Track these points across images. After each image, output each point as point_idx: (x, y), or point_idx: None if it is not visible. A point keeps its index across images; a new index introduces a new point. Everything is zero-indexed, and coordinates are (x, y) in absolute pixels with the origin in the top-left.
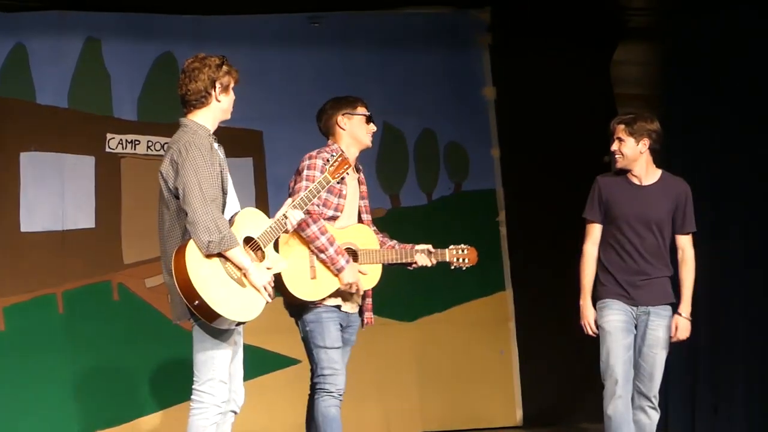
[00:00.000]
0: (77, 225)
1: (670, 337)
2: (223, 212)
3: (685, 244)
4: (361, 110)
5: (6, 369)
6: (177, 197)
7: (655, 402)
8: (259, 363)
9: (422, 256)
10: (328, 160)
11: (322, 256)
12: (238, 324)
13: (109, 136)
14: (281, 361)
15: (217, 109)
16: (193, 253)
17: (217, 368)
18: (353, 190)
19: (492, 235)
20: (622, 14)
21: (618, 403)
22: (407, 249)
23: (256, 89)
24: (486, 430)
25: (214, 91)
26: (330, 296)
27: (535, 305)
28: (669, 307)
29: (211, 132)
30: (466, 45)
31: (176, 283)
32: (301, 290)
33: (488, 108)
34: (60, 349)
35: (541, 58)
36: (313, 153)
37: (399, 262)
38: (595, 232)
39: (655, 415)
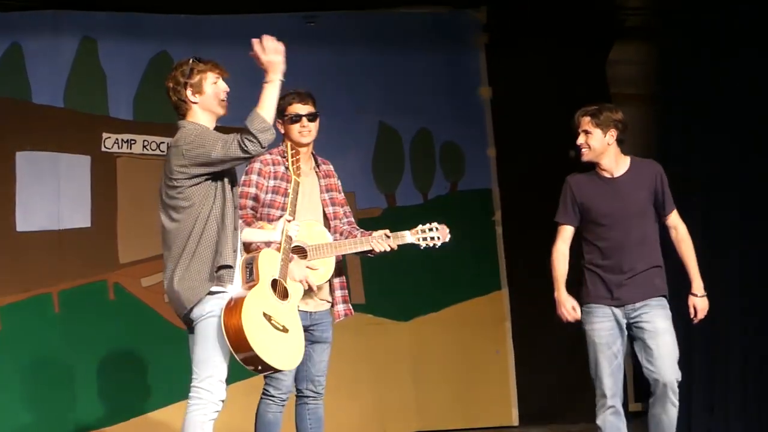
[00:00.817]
0: (73, 224)
1: (691, 321)
2: (235, 223)
3: (675, 222)
4: (290, 110)
5: (2, 368)
6: (174, 187)
7: (672, 395)
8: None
9: (378, 242)
10: (269, 162)
11: (261, 244)
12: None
13: (105, 135)
14: None
15: (199, 111)
16: (248, 311)
17: (217, 367)
18: (309, 185)
19: (488, 235)
20: (618, 14)
21: (607, 414)
22: (362, 238)
23: (253, 89)
24: (482, 429)
25: (186, 94)
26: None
27: (531, 305)
28: (662, 299)
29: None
30: (463, 44)
31: (227, 336)
32: None
33: (484, 107)
34: (56, 348)
35: (537, 57)
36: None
37: (355, 251)
38: (566, 233)
39: (673, 409)
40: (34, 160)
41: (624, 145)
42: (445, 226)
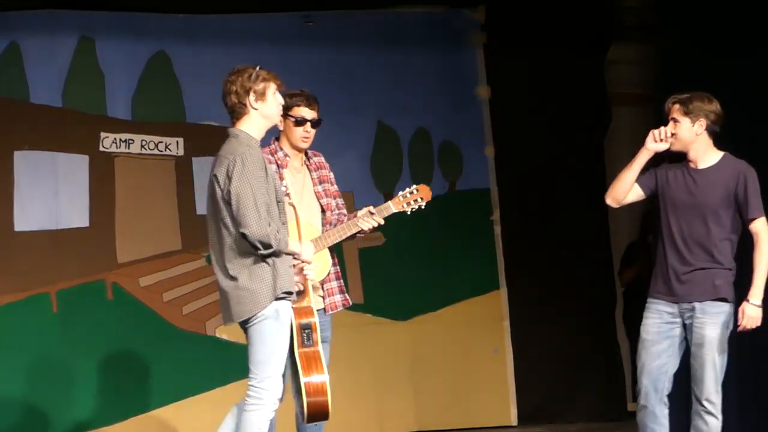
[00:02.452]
0: (71, 224)
1: (736, 332)
2: (281, 217)
3: (756, 229)
4: (296, 112)
5: (0, 368)
6: (230, 204)
7: (711, 407)
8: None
9: (364, 220)
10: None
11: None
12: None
13: (103, 135)
14: None
15: (257, 117)
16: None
17: (276, 365)
18: (301, 180)
19: (486, 234)
20: (617, 14)
21: (642, 412)
22: (347, 222)
23: None
24: (480, 429)
25: (249, 99)
26: None
27: (529, 304)
28: (722, 303)
29: (259, 139)
30: (461, 44)
31: (308, 399)
32: None
33: (482, 107)
34: (54, 348)
35: (536, 57)
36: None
37: (345, 237)
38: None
39: (714, 422)
40: (33, 159)
41: (718, 138)
42: (425, 186)
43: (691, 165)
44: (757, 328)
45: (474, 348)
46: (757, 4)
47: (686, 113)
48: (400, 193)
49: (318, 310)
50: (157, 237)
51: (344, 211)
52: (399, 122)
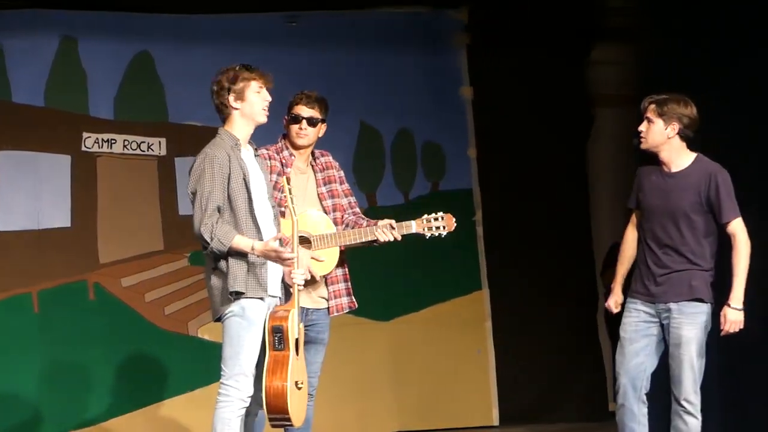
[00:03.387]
0: (53, 224)
1: (717, 333)
2: (252, 213)
3: (732, 231)
4: (294, 110)
5: None
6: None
7: (690, 407)
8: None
9: (382, 232)
10: (267, 157)
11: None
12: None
13: (85, 134)
14: None
15: (238, 117)
16: (290, 382)
17: (244, 363)
18: (305, 181)
19: (468, 235)
20: (600, 15)
21: (621, 411)
22: (366, 227)
23: None
24: (462, 429)
25: (229, 99)
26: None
27: (511, 304)
28: (699, 303)
29: (245, 138)
30: (444, 44)
31: (265, 394)
32: None
33: (465, 108)
34: (35, 348)
35: (518, 58)
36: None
37: (359, 242)
38: (633, 218)
39: (694, 422)
40: (14, 159)
41: (691, 142)
42: (450, 216)
43: (665, 168)
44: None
45: (456, 348)
46: (741, 7)
47: (660, 114)
48: (425, 216)
49: (317, 310)
50: (140, 237)
51: (358, 210)
52: (382, 122)
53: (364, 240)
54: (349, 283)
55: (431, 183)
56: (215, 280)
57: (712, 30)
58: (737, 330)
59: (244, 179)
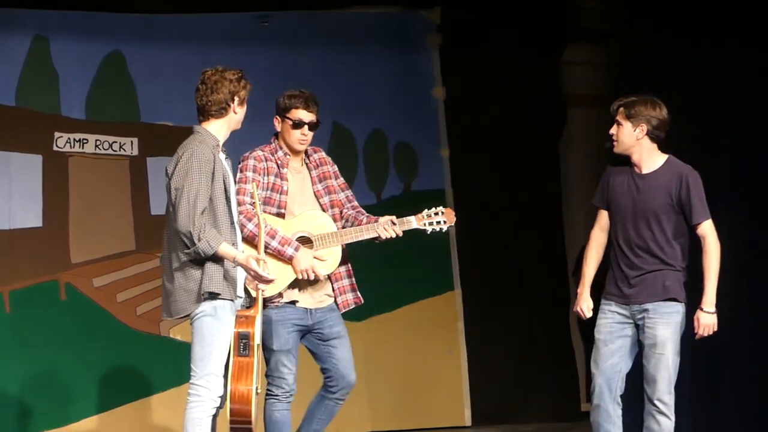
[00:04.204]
0: (24, 224)
1: (691, 334)
2: (230, 215)
3: (703, 233)
4: (294, 114)
5: None
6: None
7: (663, 407)
8: None
9: (383, 228)
10: (263, 159)
11: (269, 250)
12: None
13: (57, 134)
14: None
15: (232, 120)
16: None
17: (215, 363)
18: (301, 181)
19: (441, 235)
20: (572, 15)
21: (596, 412)
22: (367, 225)
23: None
24: (434, 429)
25: (233, 103)
26: (286, 291)
27: (483, 305)
28: (673, 303)
29: (222, 141)
30: (416, 45)
31: (230, 399)
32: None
33: (438, 108)
34: (6, 348)
35: (491, 58)
36: (248, 152)
37: (360, 239)
38: (601, 218)
39: (667, 422)
40: None
41: (662, 143)
42: (450, 210)
43: (636, 170)
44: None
45: (428, 349)
46: (712, 8)
47: (628, 117)
48: (426, 211)
49: (320, 309)
50: (111, 237)
51: (356, 203)
52: (354, 123)
53: (365, 238)
54: (353, 279)
55: (404, 183)
56: (182, 280)
57: (683, 30)
58: (711, 333)
59: (225, 181)
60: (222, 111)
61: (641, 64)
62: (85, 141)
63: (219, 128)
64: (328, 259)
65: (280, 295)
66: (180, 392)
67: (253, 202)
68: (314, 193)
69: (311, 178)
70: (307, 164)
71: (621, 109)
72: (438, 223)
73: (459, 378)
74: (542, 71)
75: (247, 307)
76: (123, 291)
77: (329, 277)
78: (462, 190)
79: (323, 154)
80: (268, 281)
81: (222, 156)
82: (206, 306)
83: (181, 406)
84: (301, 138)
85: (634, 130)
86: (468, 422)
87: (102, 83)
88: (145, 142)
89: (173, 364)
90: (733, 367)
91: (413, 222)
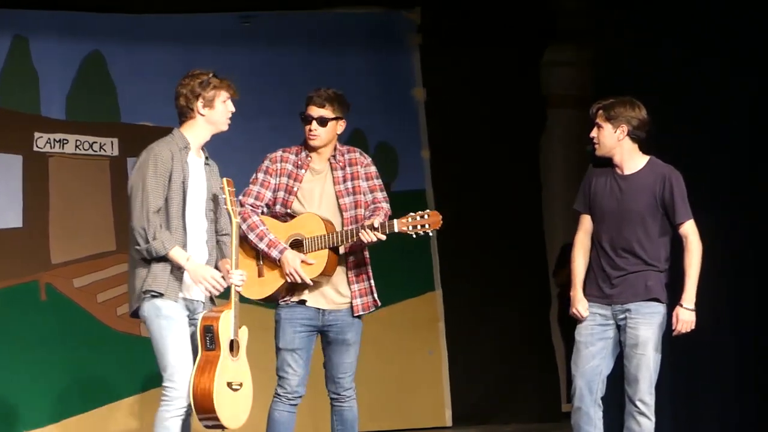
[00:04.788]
0: (4, 224)
1: (670, 334)
2: (183, 218)
3: (685, 232)
4: (305, 111)
5: None
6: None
7: (644, 408)
8: None
9: (365, 233)
10: (278, 159)
11: (259, 251)
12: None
13: (36, 135)
14: None
15: (202, 123)
16: (218, 384)
17: (174, 363)
18: (321, 181)
19: (421, 236)
20: (553, 16)
21: (577, 414)
22: (351, 228)
23: None
24: (415, 430)
25: (196, 105)
26: (297, 291)
27: (464, 305)
28: (655, 304)
29: (199, 144)
30: (397, 45)
31: (193, 395)
32: (248, 290)
33: (418, 109)
34: None
35: (472, 58)
36: (271, 152)
37: (346, 243)
38: (584, 223)
39: (647, 423)
40: None
41: (643, 143)
42: (436, 212)
43: (618, 171)
44: (691, 329)
45: (409, 349)
46: (693, 9)
47: (608, 119)
48: (411, 214)
49: (335, 311)
50: (92, 237)
51: (381, 205)
52: None
53: (350, 241)
54: (372, 282)
55: (384, 184)
56: (131, 277)
57: (664, 31)
58: (689, 330)
59: (183, 183)
60: (187, 113)
61: (621, 64)
62: (65, 141)
63: (191, 131)
64: (314, 263)
65: (291, 294)
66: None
67: (255, 204)
68: (335, 192)
69: (333, 177)
70: (332, 164)
71: (600, 111)
72: (423, 227)
73: (440, 378)
74: (523, 72)
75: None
76: (103, 291)
77: (347, 278)
78: (442, 191)
79: (358, 154)
80: (219, 291)
81: (193, 158)
82: (149, 306)
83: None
84: (310, 134)
85: (615, 132)
86: (449, 423)
87: (82, 83)
88: (125, 142)
89: (154, 365)
90: (713, 368)
91: (395, 226)
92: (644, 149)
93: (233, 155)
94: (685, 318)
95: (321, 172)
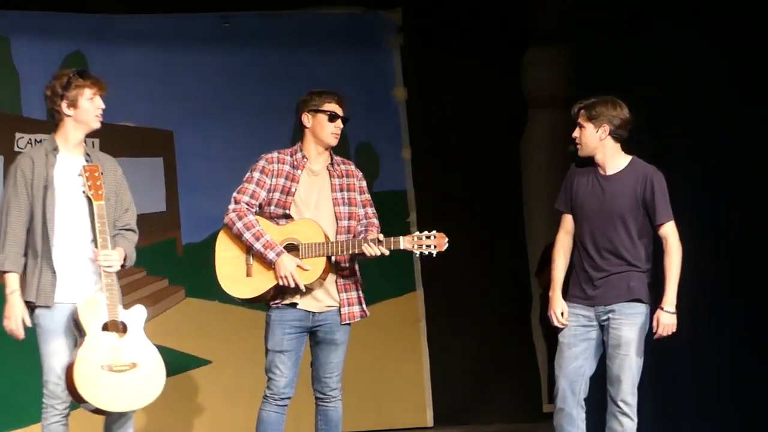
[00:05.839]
0: None
1: (651, 335)
2: (44, 218)
3: (665, 233)
4: (329, 107)
5: None
6: None
7: (626, 408)
8: (167, 364)
9: (369, 246)
10: (274, 160)
11: (253, 251)
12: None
13: (18, 135)
14: (191, 362)
15: (70, 123)
16: (80, 372)
17: (47, 371)
18: (318, 184)
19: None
20: (534, 16)
21: (559, 415)
22: (353, 240)
23: (167, 89)
24: (396, 430)
25: (61, 106)
26: (288, 294)
27: (445, 305)
28: (637, 304)
29: (73, 144)
30: (377, 45)
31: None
32: (235, 289)
33: (399, 109)
34: None
35: (452, 59)
36: (266, 153)
37: (347, 254)
38: (566, 222)
39: (629, 423)
40: None
41: (625, 142)
42: (443, 235)
43: (600, 171)
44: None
45: (390, 349)
46: (673, 7)
47: (590, 119)
48: (417, 233)
49: (324, 312)
50: None
51: (374, 221)
52: None
53: (351, 252)
54: (361, 292)
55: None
56: None
57: (644, 29)
58: (670, 333)
59: (45, 185)
60: (55, 115)
61: (602, 64)
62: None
63: (65, 132)
64: (310, 269)
65: (282, 297)
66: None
67: (250, 202)
68: (332, 199)
69: (331, 184)
70: (330, 170)
71: (582, 111)
72: (428, 247)
73: (421, 378)
74: (504, 72)
75: None
76: None
77: (337, 285)
78: (424, 191)
79: (353, 167)
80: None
81: (66, 158)
82: (33, 316)
83: (153, 406)
84: (335, 131)
85: (597, 131)
86: (430, 423)
87: None
88: (106, 142)
89: None
90: (694, 368)
91: (401, 243)
92: (626, 149)
93: (210, 156)
94: (666, 321)
95: (317, 174)
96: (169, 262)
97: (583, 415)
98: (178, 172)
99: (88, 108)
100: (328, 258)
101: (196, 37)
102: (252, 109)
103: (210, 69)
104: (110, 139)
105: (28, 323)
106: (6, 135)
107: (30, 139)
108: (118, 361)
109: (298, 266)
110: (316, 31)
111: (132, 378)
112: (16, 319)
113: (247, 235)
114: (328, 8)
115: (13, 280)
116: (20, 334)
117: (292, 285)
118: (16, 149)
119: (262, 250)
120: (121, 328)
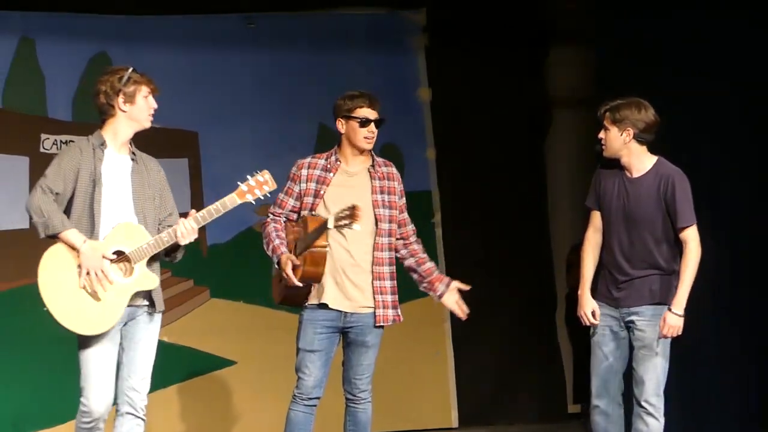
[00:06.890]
0: (11, 225)
1: (678, 336)
2: (92, 209)
3: (686, 237)
4: (359, 113)
5: None
6: None
7: (651, 408)
8: (192, 365)
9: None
10: (305, 166)
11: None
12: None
13: (43, 136)
14: (216, 363)
15: (124, 119)
16: (47, 261)
17: (88, 374)
18: (355, 185)
19: (427, 237)
20: (558, 16)
21: (594, 413)
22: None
23: (192, 90)
24: (421, 431)
25: (117, 101)
26: (315, 295)
27: (470, 306)
28: (661, 306)
29: (121, 141)
30: (402, 46)
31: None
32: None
33: (423, 109)
34: None
35: (476, 59)
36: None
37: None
38: (594, 219)
39: (655, 424)
40: None
41: (651, 145)
42: (356, 205)
43: (626, 174)
44: (691, 331)
45: (415, 350)
46: (696, 9)
47: (614, 122)
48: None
49: (357, 314)
50: None
51: (408, 229)
52: None
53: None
54: (397, 296)
55: None
56: None
57: (668, 30)
58: (675, 335)
59: (93, 179)
60: (107, 111)
61: (627, 64)
62: (71, 142)
63: (111, 129)
64: (299, 263)
65: (313, 296)
66: (167, 393)
67: (275, 211)
68: (372, 201)
69: (372, 186)
70: (371, 172)
71: (607, 113)
72: (345, 223)
73: (446, 379)
74: (528, 72)
75: None
76: None
77: (373, 287)
78: (448, 191)
79: (394, 170)
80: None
81: (113, 155)
82: None
83: (168, 407)
84: (368, 135)
85: (621, 135)
86: (455, 423)
87: (88, 84)
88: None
89: (160, 366)
90: (720, 370)
91: (329, 221)
92: (653, 150)
93: (234, 157)
94: (672, 323)
95: (354, 175)
96: (194, 263)
97: (621, 412)
98: (203, 173)
99: (143, 105)
100: (315, 253)
101: (221, 38)
102: (276, 109)
103: (234, 70)
104: (135, 140)
105: (110, 279)
106: (32, 136)
107: (55, 140)
108: (94, 288)
109: (292, 263)
110: (340, 31)
111: (89, 305)
112: (99, 264)
113: (264, 246)
114: (353, 9)
115: (76, 235)
116: (110, 280)
117: (292, 282)
118: (41, 150)
119: (271, 255)
120: (128, 271)
